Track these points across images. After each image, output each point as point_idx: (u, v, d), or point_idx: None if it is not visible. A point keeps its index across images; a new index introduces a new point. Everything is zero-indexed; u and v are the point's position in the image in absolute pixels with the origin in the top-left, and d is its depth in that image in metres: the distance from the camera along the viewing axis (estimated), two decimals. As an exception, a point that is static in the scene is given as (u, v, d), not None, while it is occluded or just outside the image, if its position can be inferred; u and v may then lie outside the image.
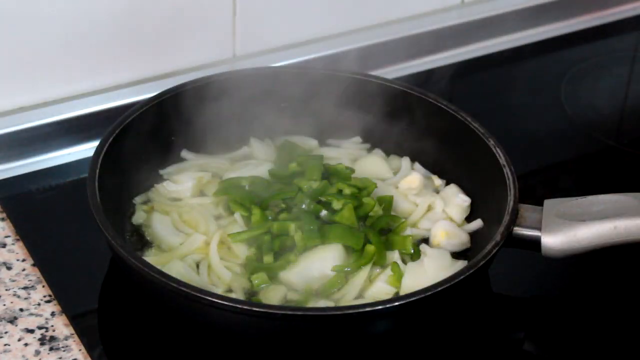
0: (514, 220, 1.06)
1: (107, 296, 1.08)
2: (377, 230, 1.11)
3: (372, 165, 1.22)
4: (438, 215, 1.15)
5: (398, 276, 1.06)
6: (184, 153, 1.22)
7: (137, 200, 1.16)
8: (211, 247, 1.08)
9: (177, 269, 1.06)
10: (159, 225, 1.12)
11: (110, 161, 1.10)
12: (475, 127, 1.15)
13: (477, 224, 1.14)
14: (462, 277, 0.99)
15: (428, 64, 1.48)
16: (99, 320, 1.06)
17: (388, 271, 1.07)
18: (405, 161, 1.23)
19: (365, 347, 1.02)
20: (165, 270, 0.99)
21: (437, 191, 1.20)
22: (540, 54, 1.53)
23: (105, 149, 1.10)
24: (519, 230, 1.06)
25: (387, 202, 1.14)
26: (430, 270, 1.07)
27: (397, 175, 1.21)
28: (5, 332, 1.02)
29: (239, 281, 1.06)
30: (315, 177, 1.14)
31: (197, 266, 1.08)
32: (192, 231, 1.11)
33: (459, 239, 1.12)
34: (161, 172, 1.19)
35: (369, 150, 1.25)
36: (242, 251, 1.09)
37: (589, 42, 1.56)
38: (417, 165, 1.23)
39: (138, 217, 1.14)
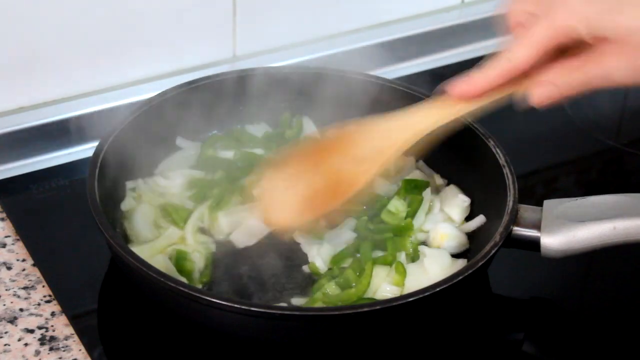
0: (513, 220, 1.06)
1: (107, 296, 1.08)
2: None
3: None
4: (437, 216, 1.16)
5: (402, 276, 1.06)
6: (179, 141, 1.22)
7: (129, 185, 1.16)
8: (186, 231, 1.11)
9: (158, 262, 1.06)
10: (140, 217, 1.12)
11: (110, 161, 1.10)
12: (475, 128, 1.15)
13: (480, 219, 1.14)
14: (460, 277, 0.99)
15: (428, 64, 1.48)
16: (99, 320, 1.06)
17: (392, 272, 1.07)
18: (410, 160, 1.23)
19: (364, 347, 1.02)
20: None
21: (438, 191, 1.20)
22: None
23: (105, 149, 1.10)
24: (518, 231, 1.06)
25: (416, 203, 1.15)
26: (431, 271, 1.07)
27: (400, 173, 1.21)
28: (5, 332, 1.02)
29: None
30: None
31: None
32: (170, 225, 1.12)
33: (458, 240, 1.12)
34: (155, 171, 1.19)
35: None
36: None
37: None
38: (420, 163, 1.23)
39: (126, 204, 1.14)
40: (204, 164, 1.20)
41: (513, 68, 0.89)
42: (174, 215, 1.12)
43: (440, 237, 1.12)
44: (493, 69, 0.91)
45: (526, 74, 0.89)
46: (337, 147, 1.06)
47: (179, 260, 1.07)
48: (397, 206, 1.14)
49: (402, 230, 1.12)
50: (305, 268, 1.10)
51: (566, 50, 0.87)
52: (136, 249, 1.05)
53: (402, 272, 1.07)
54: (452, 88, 0.95)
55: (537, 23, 0.87)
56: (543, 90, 0.89)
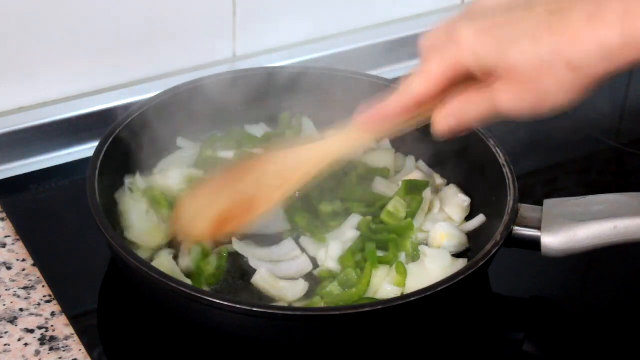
0: (514, 220, 1.06)
1: (107, 296, 1.08)
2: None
3: (380, 160, 1.22)
4: (437, 216, 1.15)
5: (403, 277, 1.07)
6: (180, 141, 1.22)
7: (127, 182, 1.15)
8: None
9: (162, 263, 1.06)
10: (135, 214, 1.12)
11: (110, 161, 1.10)
12: (475, 127, 1.15)
13: (480, 219, 1.13)
14: (461, 277, 0.99)
15: (428, 64, 1.48)
16: (99, 320, 1.06)
17: (393, 272, 1.07)
18: (410, 160, 1.22)
19: (365, 347, 1.02)
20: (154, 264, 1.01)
21: (437, 191, 1.20)
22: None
23: (105, 148, 1.10)
24: (519, 230, 1.06)
25: (416, 203, 1.15)
26: (432, 271, 1.07)
27: (400, 172, 1.21)
28: (5, 332, 1.02)
29: None
30: None
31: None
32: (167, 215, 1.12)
33: (458, 239, 1.12)
34: (155, 170, 1.19)
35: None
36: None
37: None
38: (420, 163, 1.23)
39: (123, 203, 1.13)
40: (203, 164, 1.20)
41: (412, 99, 0.92)
42: (163, 203, 1.13)
43: (440, 236, 1.12)
44: (394, 100, 0.94)
45: (432, 101, 0.92)
46: (256, 168, 1.09)
47: (197, 259, 1.07)
48: (397, 206, 1.14)
49: (402, 231, 1.12)
50: (314, 272, 1.10)
51: (472, 79, 0.89)
52: (140, 247, 1.06)
53: (403, 272, 1.07)
54: (358, 118, 0.97)
55: (433, 57, 0.90)
56: (443, 121, 0.91)
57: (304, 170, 1.05)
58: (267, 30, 1.40)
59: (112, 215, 1.11)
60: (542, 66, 0.84)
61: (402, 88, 0.93)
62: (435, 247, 1.12)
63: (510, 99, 0.87)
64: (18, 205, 1.18)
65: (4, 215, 1.16)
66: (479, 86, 0.89)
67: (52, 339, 1.01)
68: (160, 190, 1.15)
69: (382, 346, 1.02)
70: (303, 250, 1.11)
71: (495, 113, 0.89)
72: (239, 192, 1.09)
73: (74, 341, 1.01)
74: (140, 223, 1.11)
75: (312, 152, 1.05)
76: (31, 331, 1.02)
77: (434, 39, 0.91)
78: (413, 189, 1.16)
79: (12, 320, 1.03)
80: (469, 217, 1.16)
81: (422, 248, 1.10)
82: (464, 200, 1.16)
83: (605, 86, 1.39)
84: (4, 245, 1.12)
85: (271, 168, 1.08)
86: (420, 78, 0.91)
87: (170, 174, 1.17)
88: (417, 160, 1.23)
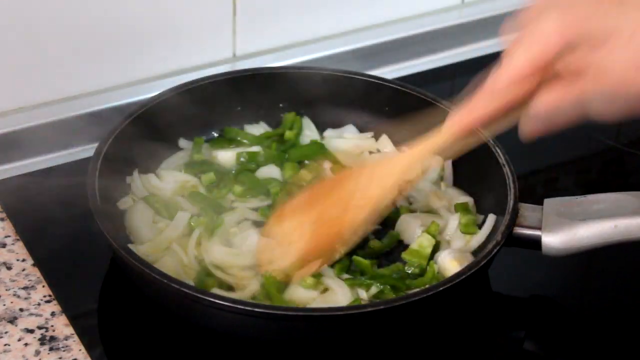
0: (514, 219, 1.06)
1: (107, 296, 1.08)
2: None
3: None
4: (446, 214, 1.15)
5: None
6: (182, 142, 1.22)
7: (128, 179, 1.15)
8: (191, 238, 1.09)
9: (165, 263, 1.06)
10: (137, 216, 1.12)
11: (110, 161, 1.10)
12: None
13: (491, 220, 1.11)
14: (462, 277, 0.99)
15: (428, 64, 1.48)
16: (99, 320, 1.06)
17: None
18: (438, 159, 1.22)
19: (365, 346, 1.02)
20: (157, 266, 1.00)
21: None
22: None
23: (105, 148, 1.10)
24: (519, 230, 1.06)
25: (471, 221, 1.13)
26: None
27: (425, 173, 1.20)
28: (5, 332, 1.02)
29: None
30: None
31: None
32: (169, 222, 1.11)
33: (467, 260, 1.08)
34: (156, 172, 1.19)
35: (375, 137, 1.25)
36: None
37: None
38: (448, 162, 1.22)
39: (123, 203, 1.13)
40: (194, 167, 1.19)
41: (502, 93, 0.90)
42: (163, 212, 1.12)
43: (451, 264, 1.07)
44: (483, 99, 0.92)
45: (518, 100, 0.90)
46: (339, 188, 1.08)
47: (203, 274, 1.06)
48: (423, 243, 1.09)
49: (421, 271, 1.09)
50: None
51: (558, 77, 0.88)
52: (142, 247, 1.06)
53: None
54: (447, 123, 0.96)
55: (516, 49, 0.88)
56: (530, 124, 0.90)
57: (389, 185, 1.03)
58: (267, 30, 1.40)
59: (114, 215, 1.11)
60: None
61: (491, 82, 0.90)
62: (449, 274, 1.05)
63: (602, 108, 0.83)
64: (18, 205, 1.18)
65: (4, 215, 1.16)
66: (566, 85, 0.85)
67: (52, 339, 1.01)
68: (160, 197, 1.15)
69: (383, 346, 1.02)
70: None
71: (584, 118, 0.86)
72: (323, 218, 1.06)
73: (74, 341, 1.01)
74: (143, 224, 1.11)
75: (396, 164, 1.04)
76: (31, 331, 1.02)
77: (518, 27, 0.87)
78: (463, 209, 1.14)
79: (12, 320, 1.03)
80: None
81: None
82: (468, 200, 1.16)
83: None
84: (4, 245, 1.12)
85: (354, 186, 1.05)
86: (504, 72, 0.88)
87: (165, 176, 1.17)
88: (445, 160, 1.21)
